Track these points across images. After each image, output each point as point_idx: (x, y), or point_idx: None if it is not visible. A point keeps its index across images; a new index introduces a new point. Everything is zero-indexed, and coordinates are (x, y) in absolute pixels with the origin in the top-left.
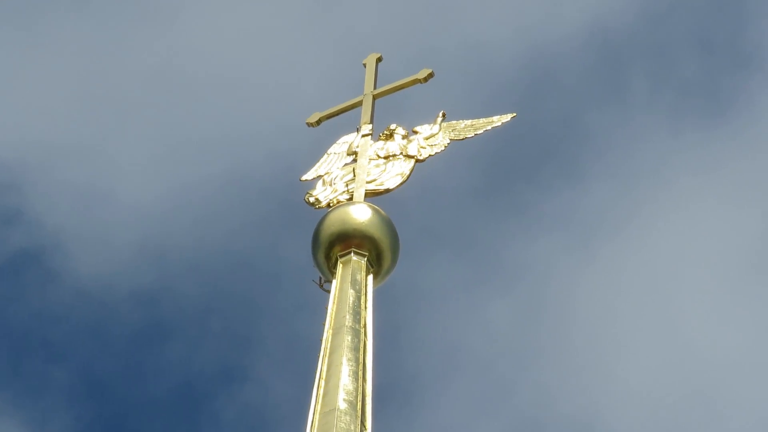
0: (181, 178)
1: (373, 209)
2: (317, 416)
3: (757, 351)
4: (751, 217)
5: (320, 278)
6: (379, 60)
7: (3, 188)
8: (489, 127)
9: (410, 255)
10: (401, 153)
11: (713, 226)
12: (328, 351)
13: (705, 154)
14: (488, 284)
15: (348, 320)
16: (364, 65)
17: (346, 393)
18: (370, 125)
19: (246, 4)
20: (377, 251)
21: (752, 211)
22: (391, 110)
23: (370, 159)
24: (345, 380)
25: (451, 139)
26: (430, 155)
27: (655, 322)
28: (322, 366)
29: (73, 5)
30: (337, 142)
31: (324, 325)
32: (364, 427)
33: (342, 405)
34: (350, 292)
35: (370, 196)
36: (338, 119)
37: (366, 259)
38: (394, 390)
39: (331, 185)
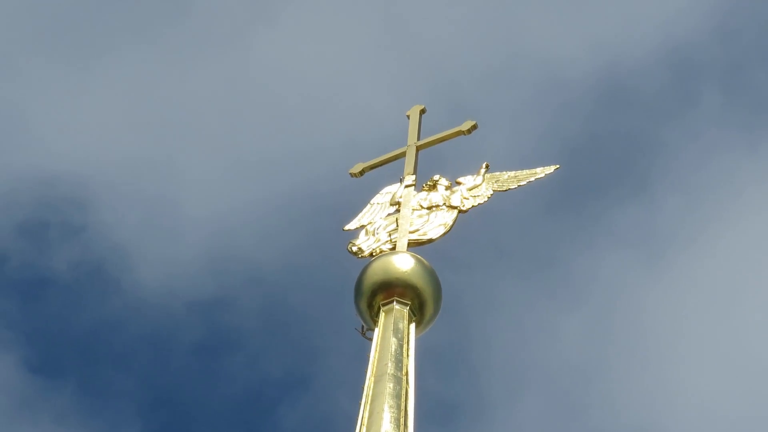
0: (244, 194)
1: (416, 259)
2: None
3: None
4: None
5: (363, 326)
6: (422, 112)
7: (72, 202)
8: (532, 179)
9: (481, 271)
10: (444, 204)
11: None
12: (370, 398)
13: None
14: (558, 300)
15: (390, 368)
16: (408, 117)
17: None
18: (414, 176)
19: (306, 40)
20: (420, 300)
21: None
22: (435, 157)
23: (413, 209)
24: (386, 427)
25: (494, 191)
26: (473, 206)
27: (724, 338)
28: (363, 413)
29: (148, 20)
30: (381, 192)
31: (366, 372)
32: None
33: None
34: (392, 340)
35: (413, 246)
36: (381, 170)
37: (408, 308)
38: (462, 408)
39: (374, 235)
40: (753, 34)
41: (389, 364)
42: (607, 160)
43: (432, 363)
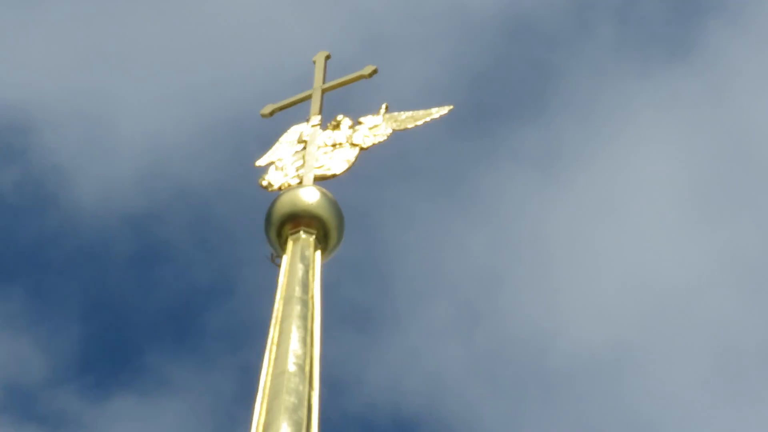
0: (172, 118)
1: (321, 192)
2: (269, 377)
3: (711, 275)
4: (709, 149)
5: (272, 254)
6: (327, 57)
7: (14, 127)
8: (428, 119)
9: (394, 193)
10: (347, 141)
11: (674, 158)
12: (279, 319)
13: (668, 93)
14: (466, 216)
15: (297, 292)
16: (314, 62)
17: (296, 357)
18: (319, 116)
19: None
20: (325, 230)
21: (711, 143)
22: (339, 98)
23: (318, 147)
24: (294, 346)
25: (393, 129)
26: (373, 144)
27: (616, 246)
28: (273, 333)
29: None
30: (288, 131)
31: (275, 296)
32: (312, 387)
33: (292, 368)
34: (299, 266)
35: (319, 180)
36: (290, 111)
37: (314, 237)
38: (375, 315)
39: (282, 170)
40: None
41: (296, 288)
42: (510, 87)
43: (349, 275)
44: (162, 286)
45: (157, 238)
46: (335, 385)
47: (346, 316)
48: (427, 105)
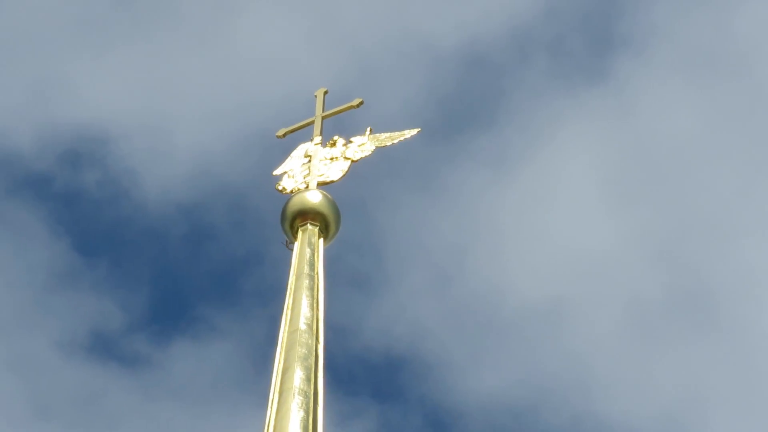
0: (218, 131)
1: (323, 194)
2: (286, 334)
3: (622, 245)
4: (618, 152)
5: (287, 240)
6: (326, 93)
7: (98, 138)
8: (402, 138)
9: (385, 189)
10: (341, 156)
11: (593, 159)
12: (292, 289)
13: (588, 110)
14: (437, 207)
15: (306, 269)
16: (315, 96)
17: (306, 318)
18: (320, 137)
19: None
20: (326, 222)
21: (619, 148)
22: (335, 126)
23: (320, 160)
24: (305, 310)
25: (376, 146)
26: (361, 157)
27: (555, 227)
28: (288, 299)
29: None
30: (297, 148)
31: (289, 273)
32: (318, 341)
33: (303, 326)
34: (307, 250)
35: (321, 185)
36: (297, 133)
37: (318, 228)
38: (370, 279)
39: (293, 178)
40: (573, 13)
41: (305, 267)
42: (468, 106)
43: (350, 250)
44: (209, 258)
45: (204, 222)
46: (340, 332)
47: (349, 281)
48: (404, 123)
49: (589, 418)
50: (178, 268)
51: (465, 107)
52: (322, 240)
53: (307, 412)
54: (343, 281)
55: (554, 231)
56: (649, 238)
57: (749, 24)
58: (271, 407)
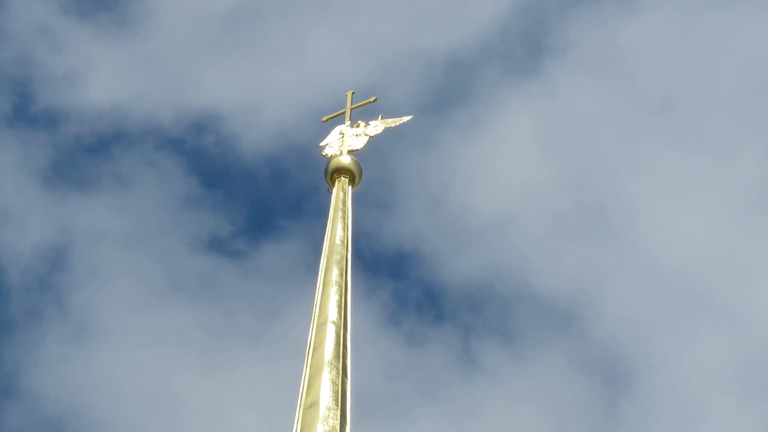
0: (285, 116)
1: (352, 158)
2: (326, 246)
3: (547, 183)
4: (545, 117)
5: (328, 187)
6: (353, 93)
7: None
8: (401, 121)
9: (389, 155)
10: (363, 133)
11: (527, 122)
12: (331, 218)
13: (526, 95)
14: (428, 157)
15: (340, 206)
16: (347, 95)
17: (339, 236)
18: (350, 121)
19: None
20: (352, 176)
21: (545, 114)
22: (360, 111)
23: (350, 136)
24: (339, 231)
25: (385, 127)
26: (376, 134)
27: (498, 168)
28: (329, 225)
29: None
30: (335, 128)
31: (329, 207)
32: (347, 250)
33: (338, 241)
34: (340, 194)
35: (351, 152)
36: (336, 119)
37: (348, 178)
38: (381, 207)
39: (332, 147)
40: (517, 32)
41: (339, 203)
42: (449, 95)
43: (371, 190)
44: (284, 191)
45: (281, 168)
46: (365, 239)
47: (374, 203)
48: (403, 111)
49: (526, 290)
50: (265, 197)
51: (447, 94)
52: (350, 187)
53: (340, 296)
54: (366, 210)
55: (505, 170)
56: (566, 174)
57: (632, 37)
58: (318, 292)
